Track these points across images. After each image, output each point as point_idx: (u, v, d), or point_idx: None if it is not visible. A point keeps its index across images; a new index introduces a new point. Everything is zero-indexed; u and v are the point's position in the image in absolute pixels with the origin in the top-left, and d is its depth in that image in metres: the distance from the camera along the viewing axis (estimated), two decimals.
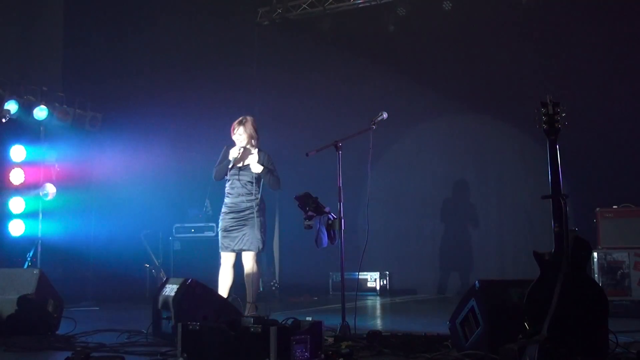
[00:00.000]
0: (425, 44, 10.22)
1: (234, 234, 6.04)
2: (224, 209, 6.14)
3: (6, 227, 8.29)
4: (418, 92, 10.09)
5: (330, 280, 10.23)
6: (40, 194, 8.56)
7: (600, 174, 8.80)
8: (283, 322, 3.97)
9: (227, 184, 6.15)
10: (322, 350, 3.85)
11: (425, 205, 10.49)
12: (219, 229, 6.20)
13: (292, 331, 3.74)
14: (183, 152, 9.48)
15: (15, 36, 8.91)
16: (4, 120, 7.97)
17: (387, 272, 10.30)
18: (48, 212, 8.61)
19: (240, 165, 6.08)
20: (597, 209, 7.39)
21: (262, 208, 6.09)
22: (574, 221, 3.81)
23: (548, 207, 3.79)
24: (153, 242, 9.59)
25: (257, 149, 6.16)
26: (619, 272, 7.00)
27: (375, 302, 9.25)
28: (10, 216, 8.36)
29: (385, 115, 5.41)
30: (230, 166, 6.05)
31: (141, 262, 9.34)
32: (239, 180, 6.08)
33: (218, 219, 6.25)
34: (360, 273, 9.64)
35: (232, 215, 6.06)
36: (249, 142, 6.11)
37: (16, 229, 8.36)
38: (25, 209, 8.45)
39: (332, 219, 5.26)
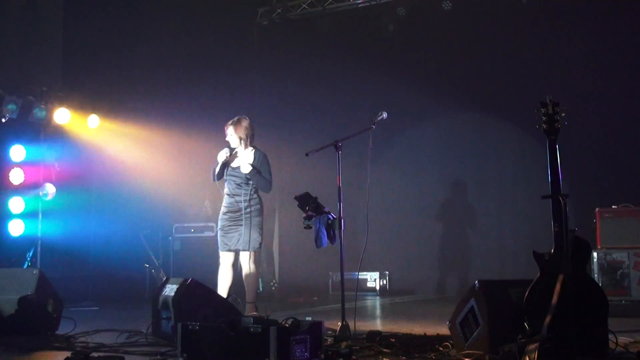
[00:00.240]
0: (425, 44, 10.22)
1: (231, 234, 6.05)
2: (222, 209, 6.18)
3: (6, 227, 8.30)
4: (418, 92, 10.08)
5: (330, 280, 10.23)
6: (40, 193, 8.56)
7: (600, 174, 8.79)
8: (283, 322, 3.97)
9: (225, 184, 6.19)
10: (322, 350, 3.85)
11: (425, 205, 10.48)
12: (218, 228, 6.22)
13: (292, 331, 3.74)
14: (183, 152, 9.48)
15: (16, 36, 8.91)
16: (4, 120, 7.97)
17: (387, 272, 10.30)
18: (48, 212, 8.62)
19: (234, 166, 6.10)
20: (597, 208, 7.38)
21: (259, 208, 6.10)
22: (573, 221, 3.81)
23: (548, 207, 3.79)
24: (153, 242, 9.59)
25: (253, 150, 6.18)
26: (619, 272, 7.00)
27: (375, 302, 9.25)
28: (10, 216, 8.36)
29: (385, 115, 5.41)
30: (217, 168, 6.09)
31: (141, 262, 9.34)
32: (234, 181, 6.11)
33: (217, 218, 6.27)
34: (360, 273, 9.63)
35: (228, 215, 6.10)
36: (239, 143, 6.14)
37: (16, 229, 8.36)
38: (25, 209, 8.45)
39: (331, 219, 5.26)
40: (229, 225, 6.07)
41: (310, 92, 10.74)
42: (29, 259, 8.21)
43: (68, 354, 4.03)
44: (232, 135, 6.15)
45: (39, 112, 8.45)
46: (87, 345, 4.69)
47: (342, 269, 5.16)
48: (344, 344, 4.42)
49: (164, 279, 6.45)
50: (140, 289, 9.25)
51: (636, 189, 8.12)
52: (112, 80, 9.14)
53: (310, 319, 4.05)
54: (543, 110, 3.91)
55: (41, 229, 8.51)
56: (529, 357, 3.39)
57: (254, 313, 5.91)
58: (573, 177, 7.73)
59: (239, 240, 6.02)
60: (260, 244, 6.13)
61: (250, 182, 6.04)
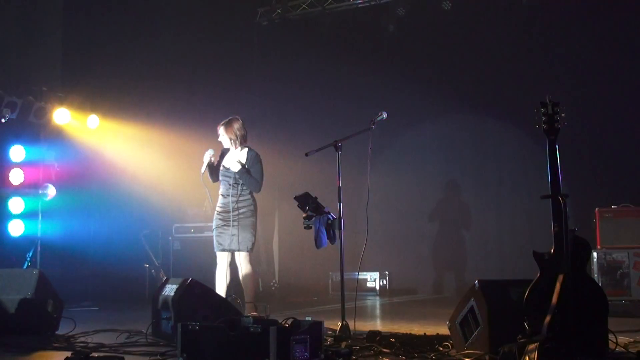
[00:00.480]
0: (425, 44, 10.22)
1: (224, 234, 6.07)
2: (216, 209, 6.19)
3: (6, 227, 8.29)
4: (417, 92, 10.08)
5: (330, 280, 10.23)
6: (40, 193, 8.56)
7: (600, 174, 8.80)
8: (283, 322, 3.97)
9: (220, 185, 6.21)
10: (322, 350, 3.85)
11: (425, 205, 10.49)
12: (212, 228, 6.23)
13: (292, 331, 3.74)
14: (182, 152, 9.47)
15: (16, 36, 8.90)
16: (3, 120, 7.97)
17: (387, 272, 10.30)
18: (48, 212, 8.61)
19: (227, 166, 6.12)
20: (597, 208, 7.39)
21: (252, 209, 6.11)
22: (573, 221, 3.81)
23: (547, 207, 3.79)
24: (153, 242, 9.59)
25: (246, 150, 6.19)
26: (619, 271, 7.01)
27: (375, 302, 9.25)
28: (10, 216, 8.36)
29: (385, 115, 5.41)
30: (202, 169, 6.10)
31: (141, 262, 9.34)
32: (227, 181, 6.13)
33: None
34: (359, 273, 9.63)
35: (222, 215, 6.12)
36: (231, 144, 6.16)
37: (16, 229, 8.36)
38: (24, 209, 8.45)
39: (331, 219, 5.26)
40: (222, 226, 6.09)
41: (310, 92, 10.74)
42: (29, 259, 8.20)
43: (68, 354, 4.03)
44: (223, 135, 6.19)
45: (39, 112, 8.44)
46: (87, 345, 4.69)
47: (342, 269, 5.16)
48: (344, 344, 4.42)
49: (164, 279, 6.45)
50: (140, 289, 9.24)
51: (636, 189, 8.12)
52: (112, 80, 9.13)
53: (310, 319, 4.06)
54: (543, 110, 3.91)
55: (41, 229, 8.50)
56: (529, 357, 3.39)
57: (254, 313, 5.91)
58: (572, 177, 7.72)
59: (232, 240, 6.03)
60: (253, 244, 6.12)
61: (241, 182, 6.05)
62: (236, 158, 6.13)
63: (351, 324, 5.00)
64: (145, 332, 5.13)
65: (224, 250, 6.12)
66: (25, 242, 8.36)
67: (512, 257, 9.61)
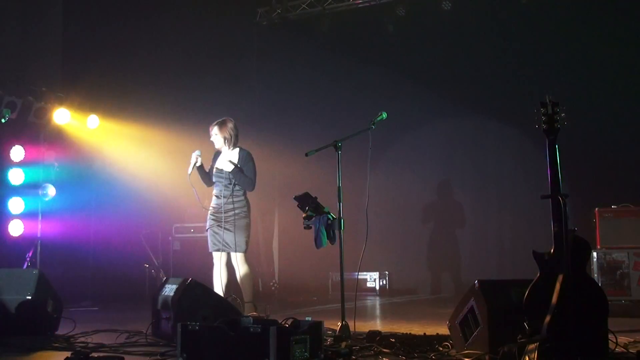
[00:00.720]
0: (424, 44, 10.22)
1: (218, 235, 6.07)
2: (210, 209, 6.19)
3: (6, 227, 8.29)
4: (417, 92, 10.09)
5: (330, 280, 10.23)
6: (40, 193, 8.56)
7: (600, 174, 8.80)
8: (283, 322, 3.97)
9: (214, 186, 6.20)
10: (322, 350, 3.85)
11: (425, 205, 10.49)
12: (206, 229, 6.22)
13: (292, 331, 3.74)
14: (182, 152, 9.47)
15: (15, 36, 8.90)
16: (3, 120, 7.97)
17: (387, 272, 10.30)
18: (47, 212, 8.61)
19: (219, 167, 6.12)
20: (596, 208, 7.38)
21: (245, 210, 6.11)
22: (573, 221, 3.81)
23: (547, 207, 3.79)
24: (153, 242, 9.59)
25: (237, 149, 6.20)
26: (619, 271, 7.01)
27: (375, 302, 9.25)
28: (10, 216, 8.36)
29: (384, 115, 5.41)
30: (189, 171, 6.10)
31: (141, 262, 9.34)
32: (221, 182, 6.12)
33: None
34: (359, 273, 9.64)
35: (215, 216, 6.11)
36: (224, 143, 6.15)
37: (16, 229, 8.36)
38: (24, 209, 8.44)
39: (331, 219, 5.25)
40: (217, 226, 6.08)
41: (310, 92, 10.74)
42: (28, 259, 8.20)
43: (68, 354, 4.03)
44: (217, 135, 6.18)
45: (38, 112, 8.44)
46: (87, 345, 4.69)
47: (342, 269, 5.16)
48: (344, 344, 4.42)
49: (164, 279, 6.45)
50: (140, 289, 9.24)
51: (636, 189, 8.12)
52: (112, 80, 9.13)
53: (310, 319, 4.06)
54: (543, 110, 3.91)
55: (41, 229, 8.50)
56: (529, 357, 3.39)
57: (254, 313, 5.91)
58: (572, 177, 7.71)
59: (226, 241, 6.02)
60: (248, 244, 6.12)
61: (233, 182, 6.04)
62: (227, 158, 6.12)
63: (351, 324, 5.00)
64: (145, 332, 5.13)
65: (218, 250, 6.12)
66: (25, 242, 8.35)
67: (512, 257, 9.61)
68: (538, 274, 3.78)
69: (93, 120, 9.05)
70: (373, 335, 4.70)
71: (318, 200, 5.32)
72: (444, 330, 4.57)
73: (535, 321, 3.61)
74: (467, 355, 3.97)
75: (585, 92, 8.77)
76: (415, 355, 4.10)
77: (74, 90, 8.94)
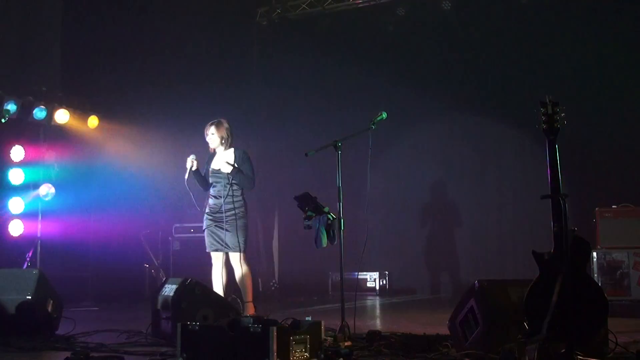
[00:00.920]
0: (424, 44, 10.22)
1: (216, 235, 6.06)
2: (207, 209, 6.18)
3: (6, 227, 8.29)
4: (417, 92, 10.09)
5: (330, 280, 10.23)
6: (40, 194, 8.55)
7: (600, 174, 8.80)
8: (283, 322, 3.97)
9: (211, 187, 6.20)
10: (321, 350, 3.85)
11: (425, 205, 10.49)
12: (203, 229, 6.21)
13: (292, 331, 3.74)
14: (183, 152, 9.46)
15: (15, 36, 8.90)
16: (3, 120, 7.97)
17: (387, 272, 10.30)
18: (47, 213, 8.61)
19: (216, 168, 6.11)
20: (597, 208, 7.39)
21: (244, 210, 6.10)
22: (573, 221, 3.80)
23: (547, 207, 3.79)
24: (152, 242, 9.58)
25: (232, 149, 6.20)
26: (619, 271, 7.01)
27: (375, 302, 9.25)
28: (10, 216, 8.35)
29: (384, 115, 5.41)
30: (187, 177, 6.08)
31: (141, 262, 9.34)
32: (219, 182, 6.11)
33: None
34: (359, 273, 9.64)
35: (213, 216, 6.10)
36: (220, 143, 6.15)
37: (16, 229, 8.35)
38: (24, 209, 8.44)
39: (331, 219, 5.25)
40: (215, 226, 6.08)
41: (310, 92, 10.74)
42: (28, 259, 8.20)
43: (68, 354, 4.03)
44: (214, 134, 6.16)
45: (39, 113, 8.44)
46: (86, 346, 4.69)
47: (342, 269, 5.16)
48: (344, 344, 4.42)
49: (164, 279, 6.45)
50: (140, 289, 9.24)
51: (635, 188, 8.13)
52: (112, 80, 9.13)
53: (310, 319, 4.05)
54: (543, 110, 3.91)
55: (41, 229, 8.50)
56: (528, 357, 3.39)
57: (254, 313, 5.91)
58: (572, 177, 7.73)
59: (225, 241, 6.01)
60: (247, 244, 6.11)
61: (234, 183, 6.04)
62: (224, 159, 6.11)
63: (351, 324, 5.00)
64: (145, 332, 5.13)
65: (217, 250, 6.11)
66: (25, 242, 8.35)
67: (512, 257, 9.61)
68: (538, 274, 3.78)
69: (93, 120, 9.04)
70: (373, 335, 4.70)
71: (318, 200, 5.31)
72: (444, 330, 4.56)
73: (535, 321, 3.61)
74: (467, 355, 3.97)
75: (585, 92, 8.77)
76: (415, 356, 4.10)
77: (74, 90, 8.94)
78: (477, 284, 4.13)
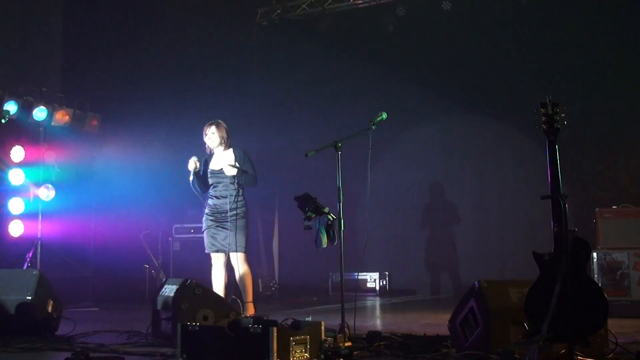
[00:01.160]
0: (424, 44, 10.22)
1: (218, 235, 6.05)
2: (206, 210, 6.17)
3: (6, 227, 8.29)
4: (417, 93, 10.08)
5: (330, 281, 10.22)
6: (40, 194, 8.55)
7: (600, 174, 8.80)
8: (283, 322, 3.97)
9: (210, 187, 6.19)
10: (322, 350, 3.85)
11: (425, 205, 10.48)
12: (202, 229, 6.20)
13: (292, 331, 3.74)
14: (183, 153, 9.46)
15: (15, 37, 8.91)
16: (3, 120, 7.97)
17: (387, 273, 10.29)
18: (47, 213, 8.61)
19: (217, 169, 6.11)
20: (597, 209, 7.38)
21: (245, 210, 6.11)
22: (573, 221, 3.80)
23: (548, 208, 3.79)
24: (153, 243, 9.58)
25: (230, 149, 6.21)
26: (619, 272, 7.00)
27: (375, 303, 9.25)
28: (10, 216, 8.36)
29: (384, 115, 5.41)
30: (191, 179, 6.09)
31: (141, 262, 9.34)
32: (221, 182, 6.11)
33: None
34: (359, 273, 9.64)
35: (214, 216, 6.09)
36: (220, 143, 6.15)
37: (16, 229, 8.36)
38: (24, 209, 8.44)
39: (331, 219, 5.25)
40: (216, 227, 6.07)
41: (310, 92, 10.73)
42: (28, 259, 8.20)
43: (68, 354, 4.03)
44: (214, 134, 6.16)
45: (39, 113, 8.45)
46: (86, 346, 4.69)
47: (342, 269, 5.16)
48: (344, 344, 4.42)
49: (164, 279, 6.45)
50: (140, 290, 9.24)
51: (635, 189, 8.12)
52: (112, 80, 9.14)
53: (310, 319, 4.05)
54: (543, 110, 3.91)
55: (41, 229, 8.50)
56: (529, 358, 3.39)
57: (253, 313, 5.91)
58: (573, 177, 7.74)
59: (226, 241, 6.01)
60: (247, 244, 6.11)
61: (236, 183, 6.04)
62: (225, 160, 6.11)
63: (351, 324, 5.00)
64: (145, 332, 5.13)
65: (218, 251, 6.10)
66: (25, 243, 8.35)
67: (512, 257, 9.60)
68: (538, 275, 3.78)
69: (93, 121, 9.04)
70: (373, 335, 4.70)
71: (318, 200, 5.31)
72: (444, 330, 4.56)
73: (535, 321, 3.61)
74: (467, 355, 3.97)
75: (585, 92, 8.77)
76: (415, 356, 4.10)
77: (74, 90, 8.94)
78: (477, 284, 4.13)
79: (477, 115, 10.00)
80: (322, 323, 3.94)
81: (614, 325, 3.98)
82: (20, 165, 8.46)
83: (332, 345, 4.43)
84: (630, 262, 6.99)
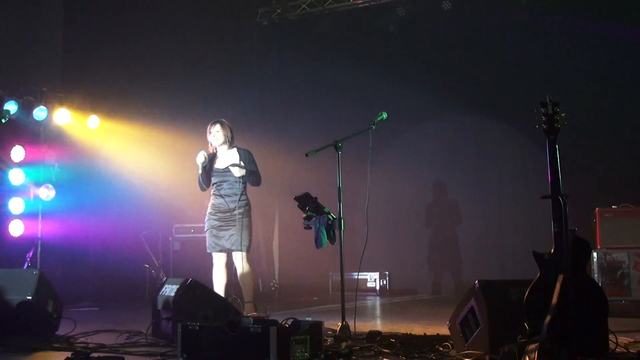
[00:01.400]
0: (424, 44, 10.23)
1: (221, 234, 6.05)
2: (210, 210, 6.16)
3: (6, 227, 8.29)
4: (418, 92, 10.09)
5: (330, 281, 10.23)
6: (40, 194, 8.55)
7: (600, 174, 8.81)
8: (283, 322, 3.97)
9: (214, 186, 6.18)
10: (322, 350, 3.85)
11: (425, 205, 10.49)
12: (205, 229, 6.19)
13: (292, 331, 3.74)
14: (183, 152, 9.48)
15: (15, 37, 8.90)
16: (3, 120, 7.97)
17: (387, 273, 10.30)
18: (48, 213, 8.61)
19: (222, 167, 6.11)
20: (597, 208, 7.38)
21: (248, 209, 6.11)
22: (573, 221, 3.80)
23: (548, 207, 3.79)
24: (153, 243, 9.58)
25: (234, 149, 6.22)
26: (619, 272, 7.00)
27: (375, 302, 9.25)
28: (10, 216, 8.36)
29: (385, 115, 5.41)
30: (199, 173, 6.07)
31: (141, 262, 9.34)
32: (226, 181, 6.10)
33: None
34: (359, 273, 9.62)
35: (218, 215, 6.09)
36: (224, 142, 6.15)
37: (16, 229, 8.36)
38: (24, 209, 8.44)
39: (331, 219, 5.25)
40: (220, 226, 6.07)
41: (310, 92, 10.75)
42: (29, 259, 8.20)
43: (68, 354, 4.03)
44: (219, 132, 6.16)
45: (39, 113, 8.45)
46: (87, 346, 4.69)
47: (342, 269, 5.16)
48: (344, 344, 4.42)
49: (164, 279, 6.45)
50: (140, 289, 9.24)
51: (635, 189, 8.13)
52: (112, 80, 9.13)
53: (310, 319, 4.05)
54: (543, 110, 3.91)
55: (41, 229, 8.50)
56: (529, 357, 3.39)
57: (254, 313, 5.91)
58: (573, 177, 7.71)
59: (230, 240, 6.00)
60: (251, 243, 6.11)
61: (241, 182, 6.04)
62: (229, 159, 6.11)
63: (351, 324, 5.00)
64: (145, 332, 5.13)
65: (221, 251, 6.10)
66: (25, 243, 8.35)
67: (512, 257, 9.61)
68: (538, 274, 3.78)
69: (93, 120, 9.05)
70: (373, 335, 4.70)
71: (318, 200, 5.32)
72: (444, 330, 4.56)
73: (535, 321, 3.61)
74: (467, 355, 3.97)
75: (585, 92, 8.77)
76: (415, 356, 4.10)
77: (74, 90, 8.94)
78: (477, 284, 4.13)
79: (478, 115, 10.01)
80: (323, 323, 3.94)
81: (614, 325, 3.97)
82: (20, 165, 8.45)
83: (332, 345, 4.44)
84: (630, 261, 6.99)
